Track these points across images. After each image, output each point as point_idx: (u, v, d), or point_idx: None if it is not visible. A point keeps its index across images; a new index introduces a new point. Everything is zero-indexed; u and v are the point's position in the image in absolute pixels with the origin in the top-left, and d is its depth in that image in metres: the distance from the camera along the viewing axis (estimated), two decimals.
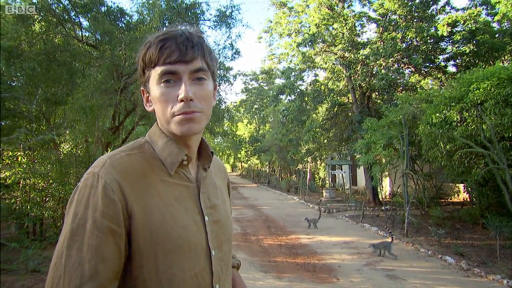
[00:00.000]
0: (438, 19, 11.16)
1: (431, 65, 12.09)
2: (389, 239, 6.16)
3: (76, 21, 6.32)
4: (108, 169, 0.70)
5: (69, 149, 5.46)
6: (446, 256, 5.69)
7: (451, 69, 12.47)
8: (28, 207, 5.30)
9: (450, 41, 11.11)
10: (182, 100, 0.73)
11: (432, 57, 11.52)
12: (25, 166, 5.26)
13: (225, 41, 10.28)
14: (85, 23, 6.55)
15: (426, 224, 7.90)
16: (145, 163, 0.76)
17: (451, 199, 11.51)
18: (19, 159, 5.44)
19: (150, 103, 0.81)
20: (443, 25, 10.06)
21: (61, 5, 5.92)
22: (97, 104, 5.31)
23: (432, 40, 11.09)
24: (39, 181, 5.26)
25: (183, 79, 0.74)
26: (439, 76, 12.64)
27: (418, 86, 12.77)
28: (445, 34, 10.11)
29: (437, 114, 6.75)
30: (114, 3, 6.68)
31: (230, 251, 0.89)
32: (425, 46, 11.09)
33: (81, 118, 5.04)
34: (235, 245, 6.82)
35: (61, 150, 5.70)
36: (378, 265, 5.50)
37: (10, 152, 5.42)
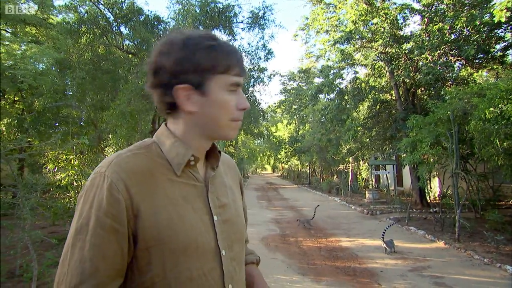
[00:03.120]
0: (494, 4, 10.15)
1: (485, 56, 11.06)
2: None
3: (117, 31, 6.74)
4: (114, 168, 0.72)
5: (113, 152, 5.81)
6: (507, 266, 5.13)
7: (511, 58, 11.30)
8: None
9: (510, 28, 10.06)
10: (243, 109, 0.81)
11: (487, 47, 10.53)
12: (76, 168, 5.72)
13: (257, 42, 10.28)
14: (125, 32, 6.99)
15: (481, 229, 7.24)
16: (152, 163, 0.76)
17: None
18: (72, 161, 5.93)
19: (193, 103, 0.77)
20: (501, 10, 9.10)
21: (104, 17, 6.36)
22: (136, 109, 5.59)
23: (486, 28, 10.13)
24: None
25: (239, 91, 0.81)
26: (495, 67, 11.53)
27: (470, 80, 11.76)
28: (502, 20, 9.13)
29: (492, 109, 6.16)
30: (151, 12, 6.98)
31: (242, 251, 0.88)
32: (477, 35, 10.17)
33: (122, 123, 5.34)
34: (273, 246, 6.80)
35: (106, 154, 6.11)
36: (425, 271, 5.14)
37: (64, 156, 5.93)
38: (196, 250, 0.74)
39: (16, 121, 7.87)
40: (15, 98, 11.48)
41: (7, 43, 8.01)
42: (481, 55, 10.93)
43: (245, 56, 8.74)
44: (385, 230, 6.32)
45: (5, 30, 8.51)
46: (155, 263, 0.71)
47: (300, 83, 29.00)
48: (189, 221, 0.74)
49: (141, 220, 0.70)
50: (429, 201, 11.27)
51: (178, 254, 0.72)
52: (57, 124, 7.59)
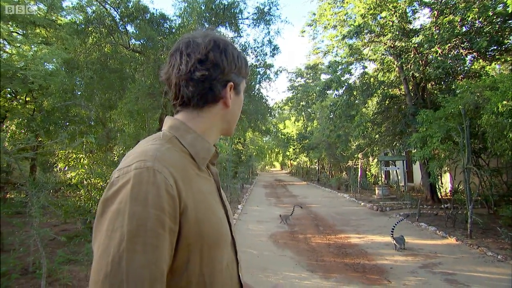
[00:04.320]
0: None
1: (498, 48, 10.76)
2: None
3: (124, 30, 6.79)
4: (162, 162, 0.67)
5: (121, 151, 5.88)
6: None
7: None
8: (90, 204, 5.83)
9: None
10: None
11: (500, 38, 10.23)
12: (86, 167, 5.80)
13: (263, 38, 10.20)
14: (131, 31, 7.03)
15: (494, 225, 7.10)
16: (182, 157, 0.75)
17: None
18: (82, 160, 6.01)
19: (231, 100, 0.85)
20: None
21: (111, 16, 6.41)
22: (144, 107, 5.62)
23: (499, 19, 9.85)
24: (98, 181, 5.76)
25: None
26: (509, 59, 11.22)
27: (483, 73, 11.47)
28: None
29: (505, 102, 6.00)
30: (156, 10, 6.95)
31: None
32: (490, 27, 9.91)
33: (130, 122, 5.38)
34: (282, 243, 6.78)
35: (115, 152, 6.18)
36: (436, 267, 5.06)
37: (74, 155, 6.01)
38: (224, 242, 0.76)
39: (26, 121, 8.05)
40: (27, 99, 11.73)
41: (18, 45, 8.18)
42: (494, 47, 10.63)
43: (251, 52, 8.70)
44: (394, 226, 6.25)
45: (17, 32, 8.69)
46: (192, 260, 0.68)
47: (307, 80, 28.85)
48: (217, 215, 0.76)
49: (186, 216, 0.67)
50: (440, 197, 11.10)
51: (212, 249, 0.72)
52: (67, 123, 7.72)
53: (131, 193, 0.62)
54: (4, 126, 9.01)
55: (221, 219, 0.76)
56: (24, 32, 8.36)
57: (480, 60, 11.56)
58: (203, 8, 6.80)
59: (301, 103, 29.01)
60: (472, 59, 11.48)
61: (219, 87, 0.80)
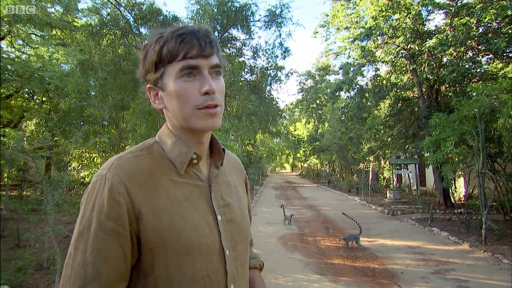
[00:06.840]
0: None
1: None
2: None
3: (137, 32, 6.93)
4: (115, 171, 0.71)
5: None
6: None
7: None
8: None
9: None
10: (206, 93, 0.73)
11: None
12: (99, 166, 5.89)
13: (274, 41, 10.16)
14: (144, 32, 7.17)
15: (510, 232, 6.91)
16: (153, 164, 0.76)
17: None
18: (95, 160, 6.13)
19: (159, 100, 0.78)
20: None
21: (125, 19, 6.55)
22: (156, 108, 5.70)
23: None
24: None
25: (204, 73, 0.74)
26: None
27: (500, 75, 11.18)
28: None
29: None
30: (169, 12, 7.06)
31: (246, 251, 0.87)
32: (508, 27, 9.66)
33: (142, 122, 5.46)
34: (291, 245, 6.76)
35: None
36: (449, 274, 4.95)
37: (87, 154, 6.13)
38: (199, 251, 0.73)
39: (44, 121, 8.30)
40: (43, 99, 12.04)
41: (36, 46, 8.42)
42: None
43: (262, 54, 8.70)
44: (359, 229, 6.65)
45: (35, 34, 8.95)
46: (158, 265, 0.70)
47: (318, 82, 28.72)
48: (191, 222, 0.74)
49: (142, 222, 0.69)
50: (453, 201, 10.88)
51: (181, 256, 0.71)
52: (82, 123, 7.90)
53: (86, 198, 0.71)
54: (24, 125, 9.31)
55: (197, 227, 0.74)
56: (42, 33, 8.59)
57: (497, 62, 11.28)
58: (215, 10, 6.86)
59: (312, 105, 28.90)
60: (489, 60, 11.22)
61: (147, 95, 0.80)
